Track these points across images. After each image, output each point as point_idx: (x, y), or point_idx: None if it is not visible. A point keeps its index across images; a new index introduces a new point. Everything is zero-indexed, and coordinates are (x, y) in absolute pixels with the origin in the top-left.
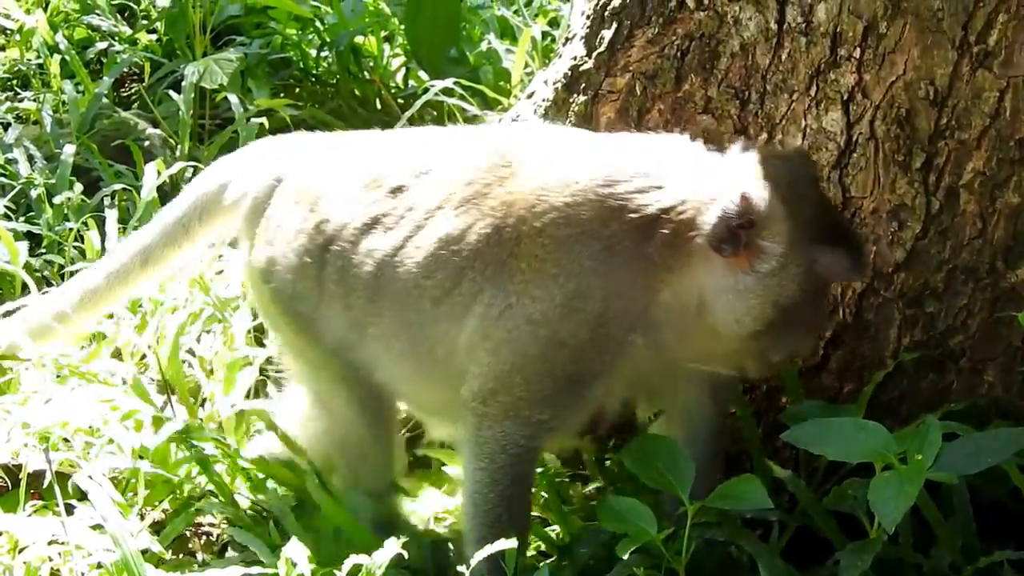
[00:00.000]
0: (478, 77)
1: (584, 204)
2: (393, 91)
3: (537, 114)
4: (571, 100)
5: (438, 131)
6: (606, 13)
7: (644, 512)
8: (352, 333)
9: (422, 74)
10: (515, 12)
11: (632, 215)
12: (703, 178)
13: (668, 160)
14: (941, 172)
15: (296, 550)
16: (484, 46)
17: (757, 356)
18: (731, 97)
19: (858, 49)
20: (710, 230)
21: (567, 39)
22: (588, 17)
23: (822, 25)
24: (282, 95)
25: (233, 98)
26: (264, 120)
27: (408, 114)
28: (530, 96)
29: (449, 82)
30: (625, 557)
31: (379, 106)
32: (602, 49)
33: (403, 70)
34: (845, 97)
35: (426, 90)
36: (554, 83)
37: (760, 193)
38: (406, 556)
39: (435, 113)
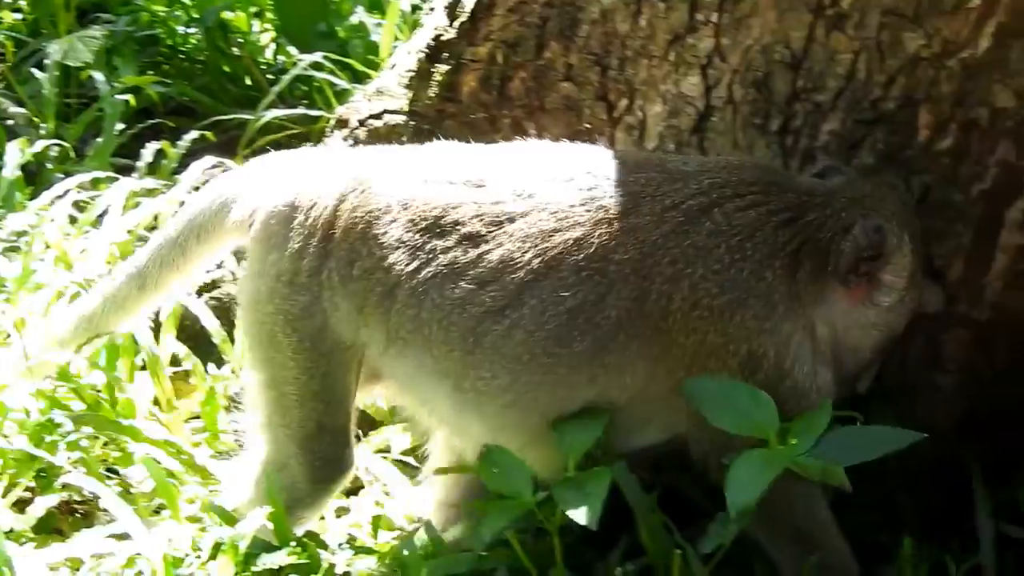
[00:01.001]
0: (347, 51)
1: (737, 258)
2: (263, 67)
3: (400, 85)
4: (433, 70)
5: (488, 151)
6: None
7: (523, 471)
8: (432, 379)
9: (292, 49)
10: None
11: (779, 258)
12: (827, 206)
13: (777, 183)
14: (798, 134)
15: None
16: (353, 20)
17: (848, 384)
18: (592, 64)
19: (715, 14)
20: (842, 261)
21: (431, 9)
22: None
23: None
24: (150, 72)
25: (98, 76)
26: (130, 98)
27: (277, 89)
28: (393, 67)
29: (318, 56)
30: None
31: (249, 82)
32: (464, 18)
33: (272, 45)
34: (703, 62)
35: (295, 64)
36: (417, 54)
37: (892, 226)
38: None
39: (305, 88)
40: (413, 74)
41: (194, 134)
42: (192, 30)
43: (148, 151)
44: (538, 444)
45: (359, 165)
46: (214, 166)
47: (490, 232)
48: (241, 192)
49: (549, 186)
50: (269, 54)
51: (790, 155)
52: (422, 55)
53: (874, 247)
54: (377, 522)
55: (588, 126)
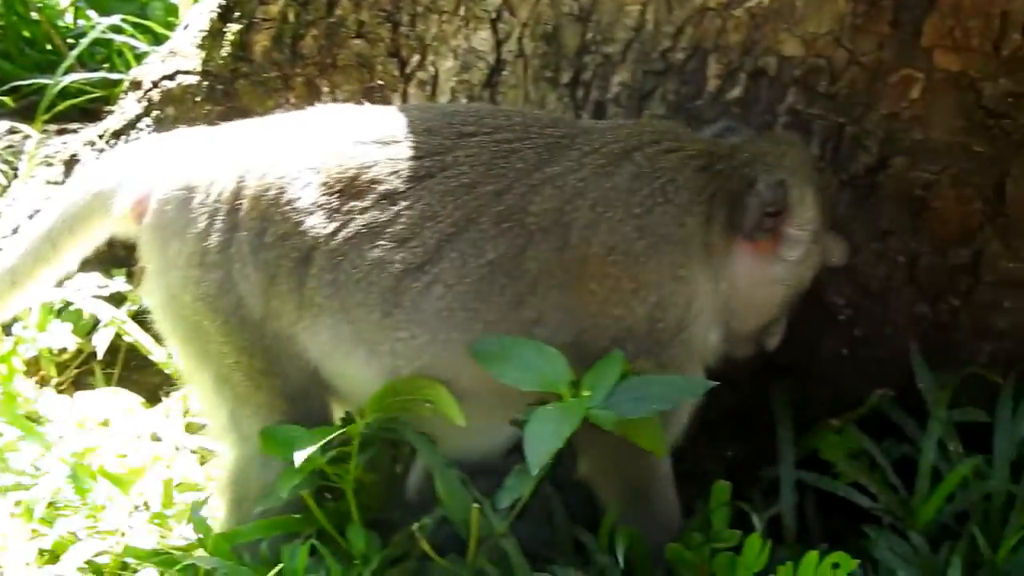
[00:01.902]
0: (147, 14)
1: (660, 201)
2: (62, 31)
3: (194, 45)
4: (226, 30)
5: (385, 110)
6: None
7: (309, 436)
8: (347, 346)
9: (91, 12)
10: None
11: (700, 202)
12: (732, 158)
13: (683, 135)
14: (588, 86)
15: None
16: None
17: (755, 341)
18: (383, 20)
19: None
20: (747, 216)
21: None
22: None
23: None
24: None
25: None
26: None
27: (75, 53)
28: (187, 27)
29: (117, 19)
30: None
31: (48, 47)
32: None
33: (71, 10)
34: (493, 16)
35: (94, 28)
36: (210, 13)
37: (796, 180)
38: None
39: (105, 51)
40: (205, 34)
41: None
42: None
43: None
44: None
45: (252, 135)
46: (11, 131)
47: (409, 189)
48: (121, 181)
49: (466, 141)
50: (69, 19)
51: (581, 107)
52: (214, 14)
53: (777, 202)
54: (169, 487)
55: (380, 82)
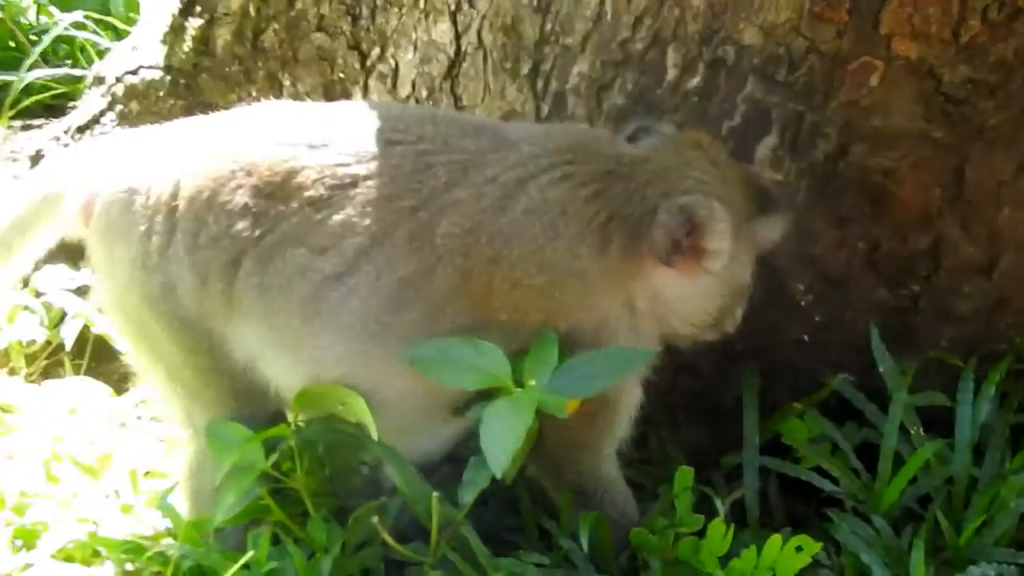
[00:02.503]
0: (109, 10)
1: (551, 236)
2: (25, 28)
3: (156, 40)
4: (187, 24)
5: (327, 109)
6: None
7: (248, 436)
8: (272, 350)
9: (53, 9)
10: None
11: (591, 232)
12: (631, 179)
13: (590, 149)
14: (548, 77)
15: None
16: None
17: (712, 331)
18: (343, 14)
19: None
20: (657, 246)
21: None
22: None
23: None
24: None
25: None
26: None
27: (39, 50)
28: (148, 23)
29: (79, 16)
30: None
31: (12, 44)
32: None
33: (33, 6)
34: (452, 8)
35: (57, 24)
36: (171, 8)
37: (697, 198)
38: None
39: (68, 48)
40: (167, 29)
41: None
42: None
43: None
44: (375, 416)
45: (191, 136)
46: None
47: (332, 196)
48: (67, 184)
49: (390, 149)
50: (32, 16)
51: (541, 98)
52: (176, 9)
53: (686, 224)
54: (135, 476)
55: (342, 76)
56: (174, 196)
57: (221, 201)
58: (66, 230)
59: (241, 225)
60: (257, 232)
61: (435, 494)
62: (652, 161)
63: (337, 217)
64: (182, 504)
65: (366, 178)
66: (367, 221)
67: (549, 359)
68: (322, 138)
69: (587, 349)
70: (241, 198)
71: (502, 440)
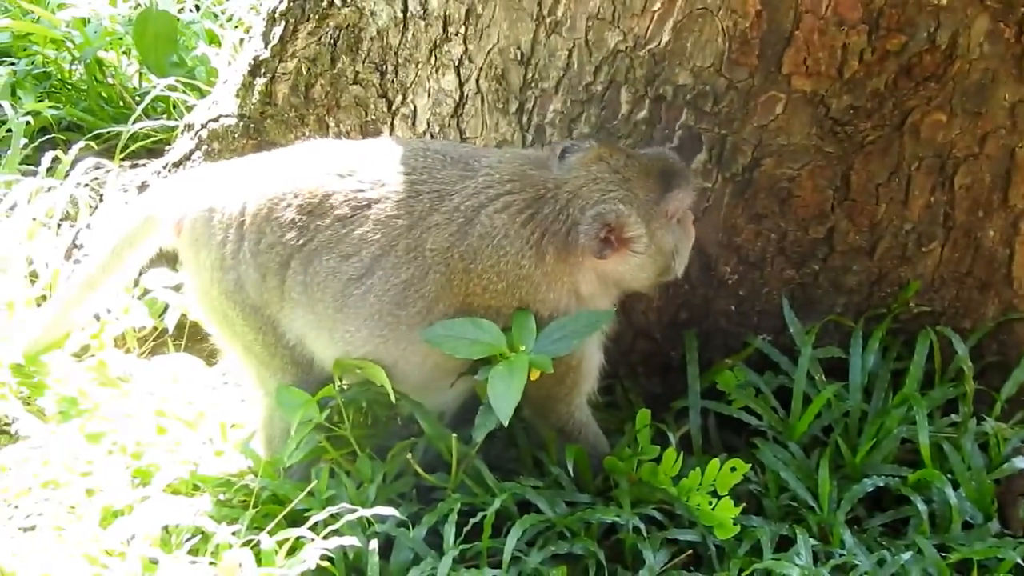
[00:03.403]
0: (194, 76)
1: (501, 254)
2: (130, 91)
3: (231, 95)
4: (254, 83)
5: (358, 147)
6: (276, 14)
7: (306, 398)
8: (314, 332)
9: (152, 76)
10: (220, 24)
11: (528, 248)
12: (556, 200)
13: (526, 177)
14: (531, 114)
15: None
16: (198, 51)
17: (665, 278)
18: (373, 70)
19: (463, 27)
20: (590, 248)
21: (250, 37)
22: (263, 19)
23: (435, 11)
24: (45, 100)
25: (5, 104)
26: (31, 119)
27: (142, 106)
28: (225, 82)
29: (172, 80)
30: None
31: (121, 103)
32: (275, 41)
33: (137, 75)
34: (456, 63)
35: (154, 87)
36: (242, 71)
37: (605, 206)
38: None
39: (163, 105)
40: (239, 86)
41: (81, 144)
42: (76, 66)
43: (46, 159)
44: (397, 381)
45: (254, 168)
46: (96, 166)
47: (354, 214)
48: (163, 208)
49: (396, 178)
50: (135, 81)
51: (526, 130)
52: (245, 71)
53: (603, 228)
54: (224, 428)
55: (373, 118)
56: (242, 213)
57: (275, 216)
58: (163, 242)
59: (290, 235)
60: (301, 241)
61: (453, 435)
62: (569, 182)
63: (358, 231)
64: (259, 449)
65: (377, 201)
66: (378, 235)
67: (530, 330)
68: (348, 169)
69: None
70: (290, 214)
71: (505, 394)
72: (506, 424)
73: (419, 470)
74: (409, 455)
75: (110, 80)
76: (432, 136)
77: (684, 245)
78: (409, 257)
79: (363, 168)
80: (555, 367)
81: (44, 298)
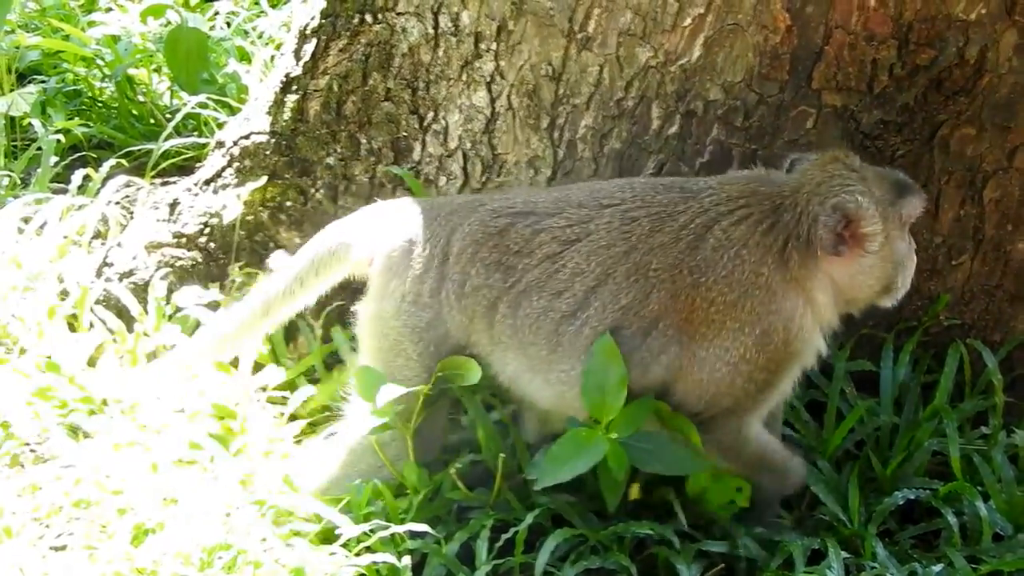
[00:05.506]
0: (225, 93)
1: (736, 266)
2: (161, 108)
3: (262, 112)
4: (286, 100)
5: (556, 189)
6: (307, 31)
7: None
8: (528, 374)
9: (182, 94)
10: (251, 42)
11: (771, 256)
12: (796, 205)
13: (758, 192)
14: (563, 129)
15: None
16: (228, 69)
17: (886, 295)
18: (405, 87)
19: (494, 43)
20: (825, 243)
21: (281, 55)
22: (295, 36)
23: (466, 28)
24: (75, 118)
25: (36, 122)
26: (62, 138)
27: (172, 124)
28: (256, 100)
29: (203, 97)
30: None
31: (152, 121)
32: (306, 59)
33: (168, 92)
34: (488, 80)
35: (185, 105)
36: (273, 88)
37: (844, 197)
38: None
39: (194, 122)
40: (271, 103)
41: (112, 162)
42: (106, 84)
43: (77, 177)
44: None
45: (457, 208)
46: (127, 184)
47: (563, 250)
48: (358, 236)
49: (603, 212)
50: (166, 99)
51: (557, 146)
52: (277, 88)
53: (842, 219)
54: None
55: (405, 134)
56: (444, 253)
57: (480, 257)
58: (352, 270)
59: (496, 277)
60: (508, 282)
61: (501, 454)
62: (806, 184)
63: (569, 266)
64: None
65: (588, 234)
66: (592, 266)
67: (640, 417)
68: (555, 208)
69: (779, 345)
70: (495, 255)
71: (558, 469)
72: (538, 489)
73: (460, 485)
74: (453, 470)
75: (141, 98)
76: (464, 153)
77: (910, 262)
78: (630, 282)
79: (568, 206)
80: (754, 374)
81: (75, 316)
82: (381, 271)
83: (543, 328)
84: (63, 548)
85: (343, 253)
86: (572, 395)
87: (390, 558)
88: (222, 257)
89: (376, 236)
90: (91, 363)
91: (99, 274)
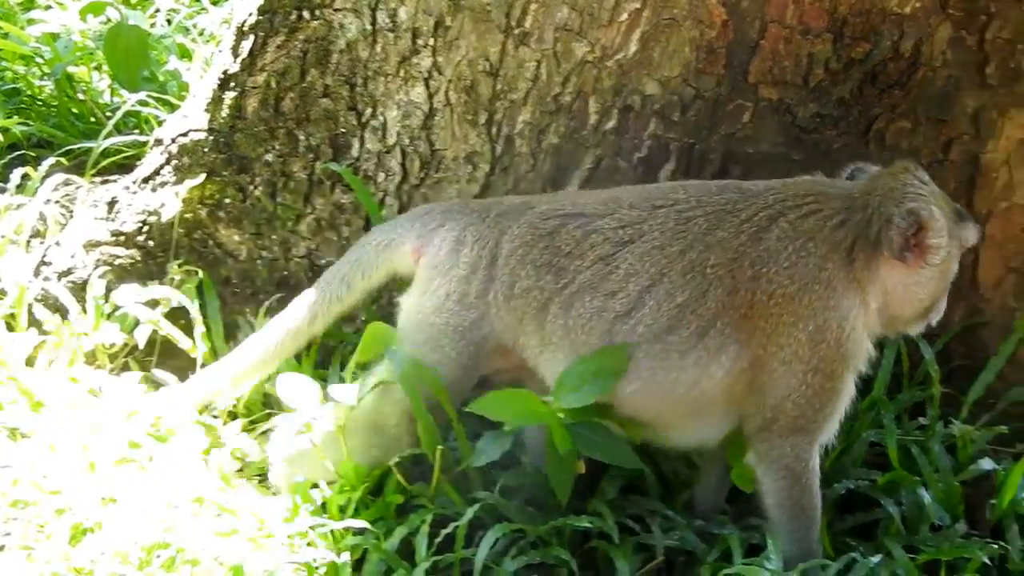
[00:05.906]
0: (166, 90)
1: (803, 255)
2: (101, 106)
3: (200, 109)
4: (224, 97)
5: (607, 191)
6: (245, 28)
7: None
8: None
9: (123, 92)
10: (191, 39)
11: (837, 252)
12: (867, 206)
13: (827, 192)
14: (500, 125)
15: None
16: (169, 67)
17: (925, 317)
18: (343, 83)
19: (432, 39)
20: (893, 245)
21: (219, 51)
22: (233, 33)
23: (404, 24)
24: (14, 116)
25: None
26: (0, 136)
27: (112, 122)
28: (195, 97)
29: (143, 95)
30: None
31: (92, 119)
32: (244, 55)
33: (108, 90)
34: (425, 76)
35: (126, 103)
36: (211, 85)
37: (920, 204)
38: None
39: (135, 120)
40: (209, 100)
41: (51, 160)
42: (46, 82)
43: (15, 176)
44: (660, 421)
45: (506, 208)
46: (66, 183)
47: (617, 251)
48: (405, 233)
49: (656, 212)
50: (106, 97)
51: (495, 141)
52: (215, 85)
53: (914, 225)
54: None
55: (343, 131)
56: (493, 254)
57: (531, 259)
58: (399, 268)
59: (547, 279)
60: (560, 283)
61: (440, 446)
62: (878, 189)
63: (623, 267)
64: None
65: (641, 235)
66: (647, 265)
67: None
68: (606, 210)
69: (832, 343)
70: (547, 257)
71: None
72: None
73: (401, 479)
74: (393, 463)
75: (81, 96)
76: (402, 149)
77: (947, 289)
78: (686, 280)
79: (620, 208)
80: (808, 376)
81: (13, 316)
82: (426, 267)
83: (596, 328)
84: (0, 548)
85: (390, 251)
86: (621, 395)
87: (330, 555)
88: (161, 255)
89: (423, 234)
90: (29, 362)
91: (37, 273)
